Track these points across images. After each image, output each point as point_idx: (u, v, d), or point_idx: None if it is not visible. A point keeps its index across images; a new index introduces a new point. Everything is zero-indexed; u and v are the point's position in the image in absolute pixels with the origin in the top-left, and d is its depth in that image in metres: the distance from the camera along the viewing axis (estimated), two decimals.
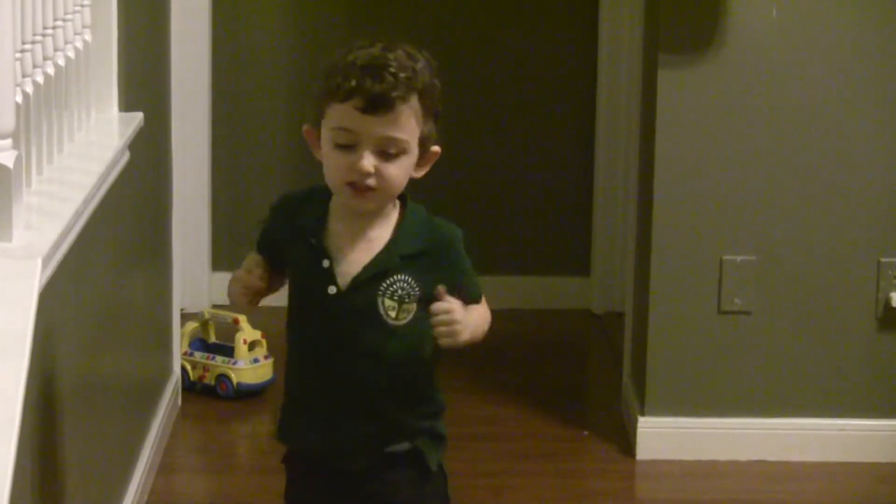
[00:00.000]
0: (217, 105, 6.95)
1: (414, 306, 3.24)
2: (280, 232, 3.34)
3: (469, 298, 3.26)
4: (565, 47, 7.05)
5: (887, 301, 5.37)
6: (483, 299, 3.35)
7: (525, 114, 7.00)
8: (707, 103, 5.30)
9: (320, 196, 3.28)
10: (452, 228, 3.32)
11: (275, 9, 6.99)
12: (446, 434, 3.42)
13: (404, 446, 3.35)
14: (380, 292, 3.23)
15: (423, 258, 3.25)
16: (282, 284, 3.34)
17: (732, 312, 5.43)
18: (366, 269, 3.23)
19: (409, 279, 3.24)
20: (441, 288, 3.14)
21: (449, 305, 3.14)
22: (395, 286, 3.23)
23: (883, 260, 5.38)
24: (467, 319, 3.17)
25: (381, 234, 3.26)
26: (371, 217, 3.25)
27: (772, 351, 5.44)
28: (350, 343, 3.27)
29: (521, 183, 7.00)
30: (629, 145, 5.88)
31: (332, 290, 3.23)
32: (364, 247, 3.25)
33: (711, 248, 5.40)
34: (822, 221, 5.37)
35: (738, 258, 5.40)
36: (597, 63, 7.02)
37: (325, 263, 3.24)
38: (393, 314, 3.24)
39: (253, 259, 3.33)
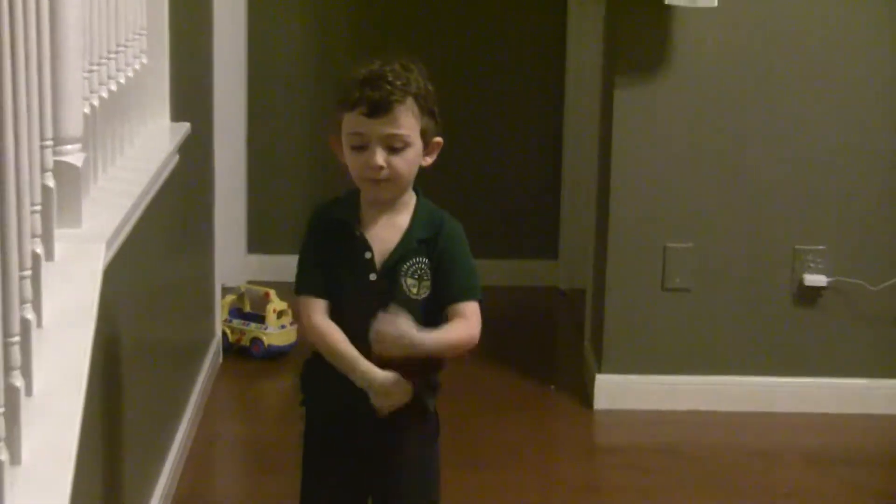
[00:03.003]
0: (252, 116, 6.94)
1: (429, 283, 3.29)
2: (322, 243, 3.34)
3: (460, 294, 3.30)
4: (537, 57, 7.03)
5: (801, 281, 5.40)
6: (476, 309, 3.33)
7: (503, 118, 7.00)
8: (655, 117, 5.32)
9: (350, 198, 3.32)
10: (455, 222, 3.34)
11: (298, 33, 6.97)
12: (440, 384, 3.44)
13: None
14: (402, 273, 3.27)
15: (431, 243, 3.29)
16: None
17: (674, 290, 5.45)
18: (392, 254, 3.28)
19: (424, 259, 3.28)
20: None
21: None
22: (413, 267, 3.28)
23: (797, 247, 5.40)
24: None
25: (403, 219, 3.30)
26: (394, 205, 3.29)
27: (706, 321, 5.46)
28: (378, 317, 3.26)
29: (497, 178, 6.97)
30: (592, 147, 5.86)
31: (372, 276, 3.28)
32: (391, 232, 3.29)
33: (657, 237, 5.42)
34: (748, 215, 5.39)
35: (679, 245, 5.41)
36: (565, 71, 6.99)
37: (367, 255, 3.27)
38: (415, 290, 3.28)
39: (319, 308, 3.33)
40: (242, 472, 5.16)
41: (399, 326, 3.14)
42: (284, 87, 6.97)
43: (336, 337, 3.27)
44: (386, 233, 3.29)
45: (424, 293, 3.29)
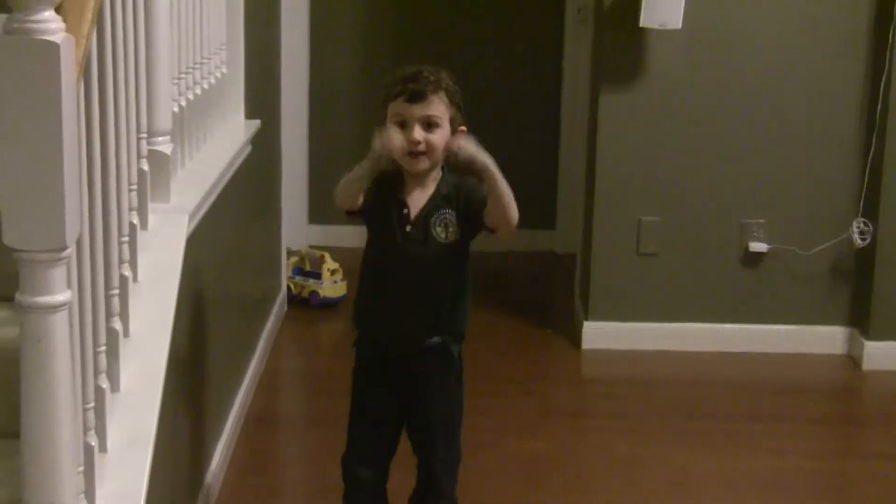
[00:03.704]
0: (312, 112, 6.93)
1: (455, 230, 3.31)
2: (374, 200, 3.31)
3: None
4: (539, 62, 7.00)
5: (747, 247, 5.39)
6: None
7: (511, 112, 6.96)
8: (632, 116, 5.30)
9: (397, 174, 3.31)
10: (469, 179, 3.33)
11: (351, 45, 6.95)
12: (465, 333, 3.45)
13: (436, 341, 3.38)
14: (432, 224, 3.29)
15: (453, 197, 3.31)
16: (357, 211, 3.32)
17: (646, 254, 5.43)
18: (422, 210, 3.30)
19: (450, 211, 3.30)
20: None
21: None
22: (440, 217, 3.30)
23: (743, 221, 5.40)
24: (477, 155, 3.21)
25: (432, 186, 3.32)
26: (426, 179, 3.31)
27: (671, 280, 5.45)
28: (415, 263, 3.32)
29: (505, 160, 6.95)
30: (583, 136, 5.84)
31: (408, 228, 3.29)
32: (423, 196, 3.31)
33: (633, 211, 5.40)
34: (705, 195, 5.38)
35: (650, 218, 5.40)
36: (562, 76, 6.97)
37: (405, 211, 3.29)
38: (443, 236, 3.30)
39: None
40: (302, 396, 5.16)
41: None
42: (338, 89, 6.95)
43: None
44: (420, 197, 3.31)
45: (452, 238, 3.32)
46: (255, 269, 5.20)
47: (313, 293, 6.00)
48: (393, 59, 6.76)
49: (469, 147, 3.20)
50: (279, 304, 5.81)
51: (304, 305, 5.99)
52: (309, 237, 6.84)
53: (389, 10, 6.98)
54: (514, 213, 3.28)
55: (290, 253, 6.15)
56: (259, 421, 4.65)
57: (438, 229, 3.30)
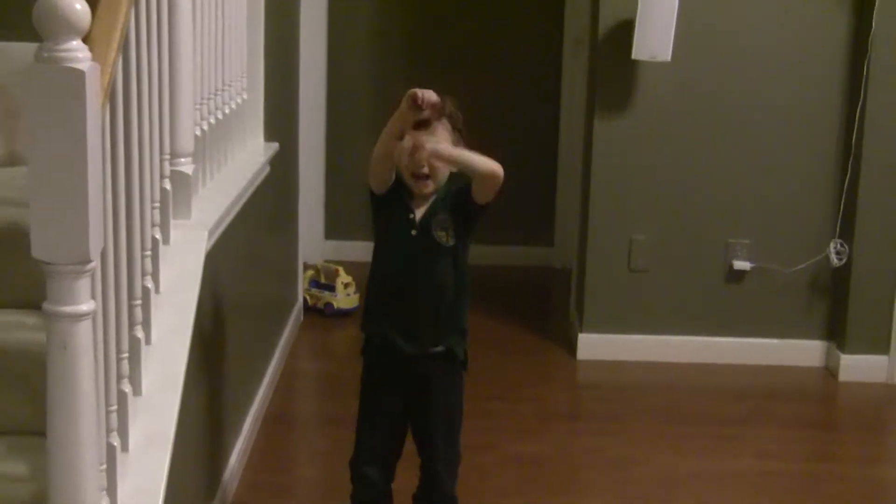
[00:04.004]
0: (329, 136, 6.93)
1: (453, 233, 3.31)
2: (391, 194, 3.33)
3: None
4: (538, 93, 7.00)
5: (731, 265, 5.38)
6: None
7: (513, 136, 6.91)
8: (624, 141, 5.30)
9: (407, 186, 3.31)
10: (460, 179, 3.35)
11: (365, 71, 6.96)
12: (467, 329, 3.45)
13: (440, 348, 3.38)
14: (433, 227, 3.30)
15: (447, 196, 3.32)
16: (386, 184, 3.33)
17: (637, 271, 5.42)
18: (424, 215, 3.31)
19: (445, 215, 3.30)
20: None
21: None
22: (439, 221, 3.30)
23: (729, 241, 5.38)
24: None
25: (430, 197, 3.33)
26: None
27: (660, 294, 5.44)
28: (418, 265, 3.32)
29: (509, 181, 6.97)
30: (580, 161, 5.84)
31: (413, 232, 3.30)
32: (425, 202, 3.32)
33: (625, 230, 5.39)
34: (693, 217, 5.37)
35: (641, 237, 5.39)
36: (560, 104, 6.97)
37: (411, 216, 3.30)
38: (444, 238, 3.30)
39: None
40: (317, 398, 5.16)
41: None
42: (354, 115, 6.94)
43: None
44: (423, 204, 3.33)
45: (451, 241, 3.32)
46: (273, 280, 5.19)
47: (328, 304, 5.99)
48: (404, 84, 6.73)
49: (434, 154, 3.21)
50: (296, 313, 5.81)
51: (319, 315, 5.99)
52: (325, 252, 6.84)
53: (401, 38, 7.00)
54: (491, 166, 3.26)
55: (306, 266, 6.14)
56: (276, 421, 4.64)
57: (440, 233, 3.30)
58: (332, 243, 6.97)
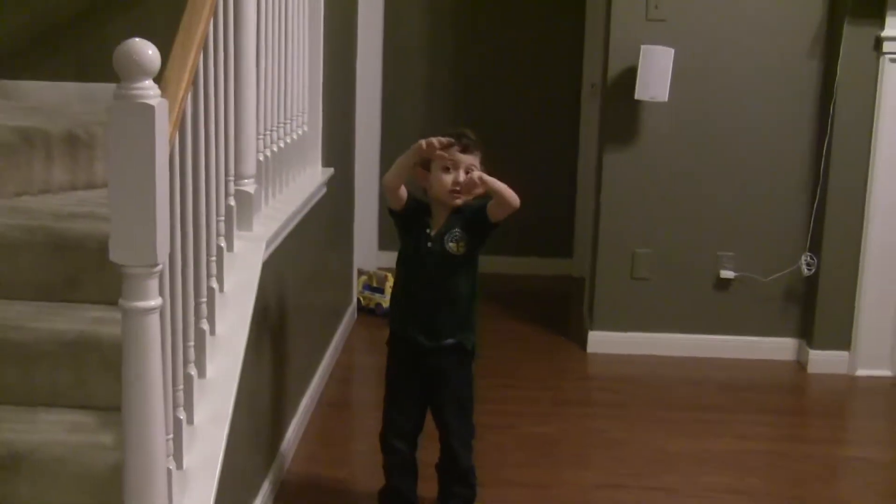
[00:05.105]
0: (383, 161, 6.92)
1: (464, 245, 3.33)
2: (411, 213, 3.37)
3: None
4: (561, 126, 6.97)
5: (718, 274, 5.35)
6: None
7: (537, 164, 6.88)
8: (629, 169, 5.28)
9: (426, 202, 3.36)
10: (475, 201, 3.39)
11: (414, 103, 6.96)
12: (476, 325, 3.46)
13: (452, 341, 3.39)
14: (446, 240, 3.33)
15: (462, 215, 3.34)
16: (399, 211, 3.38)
17: (639, 279, 5.39)
18: (440, 229, 3.34)
19: (458, 230, 3.33)
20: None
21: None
22: (453, 235, 3.33)
23: (718, 253, 5.35)
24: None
25: (447, 212, 3.36)
26: (446, 209, 3.35)
27: (659, 299, 5.40)
28: (434, 272, 3.34)
29: (533, 200, 6.97)
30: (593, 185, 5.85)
31: (430, 244, 3.32)
32: (441, 219, 3.36)
33: (629, 244, 5.36)
34: (687, 233, 5.34)
35: (643, 250, 5.36)
36: (578, 138, 6.94)
37: (429, 231, 3.34)
38: (455, 249, 3.33)
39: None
40: (366, 385, 5.14)
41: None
42: (404, 140, 6.90)
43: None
44: (440, 220, 3.36)
45: (462, 251, 3.33)
46: (330, 284, 5.20)
47: (378, 304, 5.99)
48: (451, 115, 6.79)
49: (479, 180, 3.26)
50: (350, 312, 5.81)
51: (370, 314, 5.98)
52: (379, 261, 6.84)
53: (447, 81, 6.98)
54: (514, 198, 3.30)
55: (360, 272, 6.15)
56: (329, 405, 4.65)
57: (451, 245, 3.32)
58: (384, 253, 6.95)
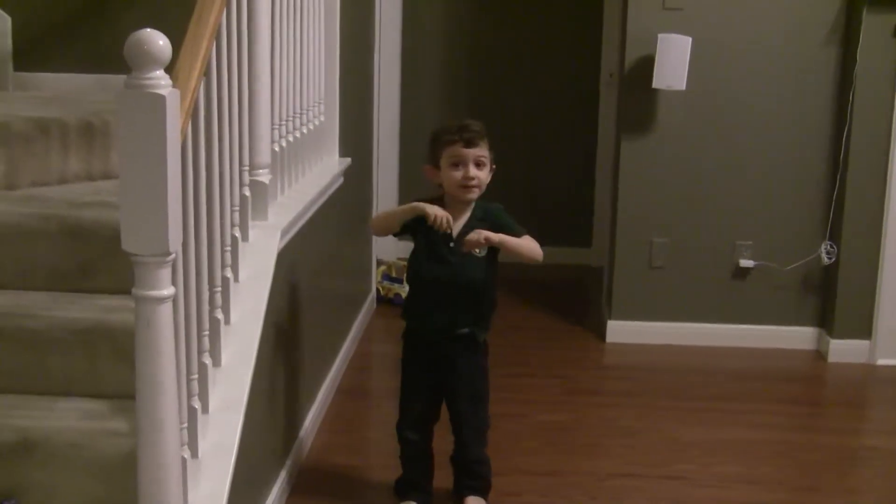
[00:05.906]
0: (402, 151, 6.94)
1: (485, 248, 3.32)
2: (411, 223, 3.37)
3: (512, 234, 3.32)
4: (580, 117, 6.97)
5: (737, 263, 5.34)
6: (530, 238, 3.36)
7: (554, 156, 6.92)
8: (646, 157, 5.28)
9: (440, 200, 3.37)
10: (496, 204, 3.40)
11: (432, 94, 6.97)
12: (490, 323, 3.46)
13: (465, 330, 3.40)
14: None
15: (484, 221, 3.33)
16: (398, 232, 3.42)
17: (656, 268, 5.39)
18: (462, 230, 3.33)
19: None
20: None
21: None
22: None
23: (736, 242, 5.34)
24: (492, 234, 3.26)
25: (467, 212, 3.36)
26: (466, 205, 3.35)
27: (676, 288, 5.40)
28: (453, 271, 3.34)
29: (551, 194, 7.00)
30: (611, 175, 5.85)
31: (451, 244, 3.33)
32: (461, 219, 3.35)
33: (646, 234, 5.36)
34: (705, 222, 5.33)
35: (660, 240, 5.36)
36: (598, 126, 6.95)
37: (449, 231, 3.32)
38: (477, 251, 3.32)
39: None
40: (384, 374, 5.14)
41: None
42: (423, 130, 6.89)
43: (387, 209, 3.39)
44: (460, 220, 3.35)
45: (482, 253, 3.34)
46: (348, 273, 5.21)
47: (397, 294, 6.00)
48: (469, 106, 6.79)
49: (486, 240, 3.25)
50: (369, 302, 5.83)
51: (389, 304, 6.00)
52: (398, 251, 6.84)
53: (465, 71, 6.98)
54: (531, 252, 3.33)
55: (380, 262, 6.16)
56: (348, 393, 4.67)
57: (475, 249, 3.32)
58: (403, 244, 6.95)
